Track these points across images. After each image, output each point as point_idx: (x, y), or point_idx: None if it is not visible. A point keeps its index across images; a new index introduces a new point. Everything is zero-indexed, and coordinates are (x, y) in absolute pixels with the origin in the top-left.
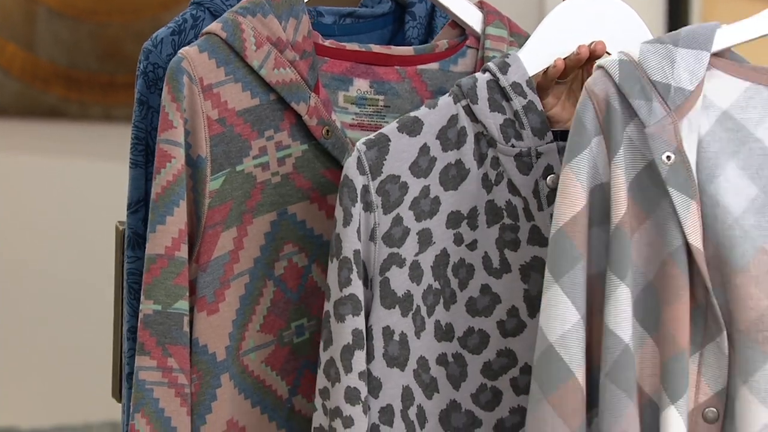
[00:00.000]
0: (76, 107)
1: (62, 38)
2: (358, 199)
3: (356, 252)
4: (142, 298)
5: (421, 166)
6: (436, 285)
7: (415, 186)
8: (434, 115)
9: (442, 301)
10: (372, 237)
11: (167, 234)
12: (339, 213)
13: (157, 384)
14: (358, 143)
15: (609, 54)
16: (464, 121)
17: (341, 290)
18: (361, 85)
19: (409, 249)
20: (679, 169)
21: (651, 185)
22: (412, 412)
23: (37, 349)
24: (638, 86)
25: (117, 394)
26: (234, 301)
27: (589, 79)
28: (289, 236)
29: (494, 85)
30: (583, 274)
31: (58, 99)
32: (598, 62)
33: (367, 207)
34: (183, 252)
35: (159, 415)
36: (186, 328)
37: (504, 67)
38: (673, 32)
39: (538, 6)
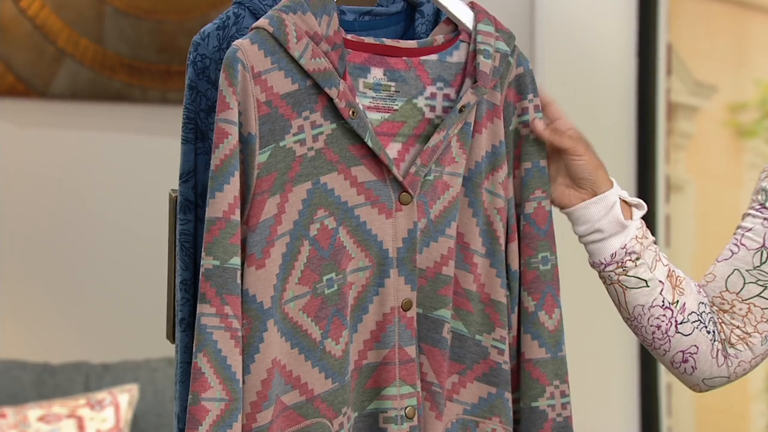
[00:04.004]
0: (137, 92)
1: (126, 34)
2: None
3: None
4: (203, 254)
5: None
6: None
7: None
8: None
9: None
10: None
11: (225, 200)
12: None
13: (216, 328)
14: None
15: None
16: None
17: None
18: (377, 73)
19: None
20: None
21: None
22: None
23: (105, 297)
24: None
25: (171, 336)
26: (277, 258)
27: None
28: (321, 202)
29: None
30: None
31: (123, 85)
32: None
33: None
34: (237, 215)
35: (217, 354)
36: (239, 281)
37: None
38: None
39: (529, 6)
